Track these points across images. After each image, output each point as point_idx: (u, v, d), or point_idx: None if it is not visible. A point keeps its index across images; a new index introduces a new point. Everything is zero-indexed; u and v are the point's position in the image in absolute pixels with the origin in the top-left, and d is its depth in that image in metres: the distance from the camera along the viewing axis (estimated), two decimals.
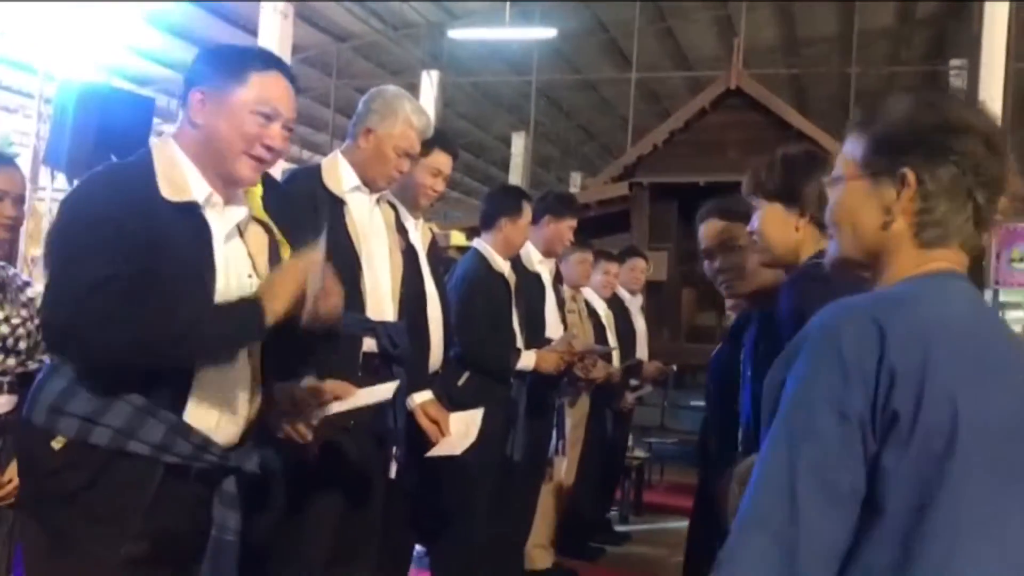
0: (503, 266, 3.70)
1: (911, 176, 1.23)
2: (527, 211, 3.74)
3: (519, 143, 18.82)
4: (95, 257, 1.64)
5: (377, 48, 16.32)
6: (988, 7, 11.39)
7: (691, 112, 10.63)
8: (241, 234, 1.88)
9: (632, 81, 15.11)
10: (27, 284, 2.63)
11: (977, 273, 11.75)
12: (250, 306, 1.69)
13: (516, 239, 3.73)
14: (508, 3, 14.08)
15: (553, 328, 4.18)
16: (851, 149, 1.31)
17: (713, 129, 10.37)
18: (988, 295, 11.80)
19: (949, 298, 1.21)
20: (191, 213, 1.76)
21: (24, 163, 7.61)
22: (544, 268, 4.22)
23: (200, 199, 1.77)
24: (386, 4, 15.08)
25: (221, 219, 1.81)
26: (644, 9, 14.84)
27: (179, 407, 1.73)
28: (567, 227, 4.17)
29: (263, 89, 1.78)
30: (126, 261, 1.64)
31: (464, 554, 3.54)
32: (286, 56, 12.76)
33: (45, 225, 7.53)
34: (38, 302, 2.56)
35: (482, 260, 3.67)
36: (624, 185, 10.00)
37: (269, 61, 1.83)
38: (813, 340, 1.18)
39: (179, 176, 1.76)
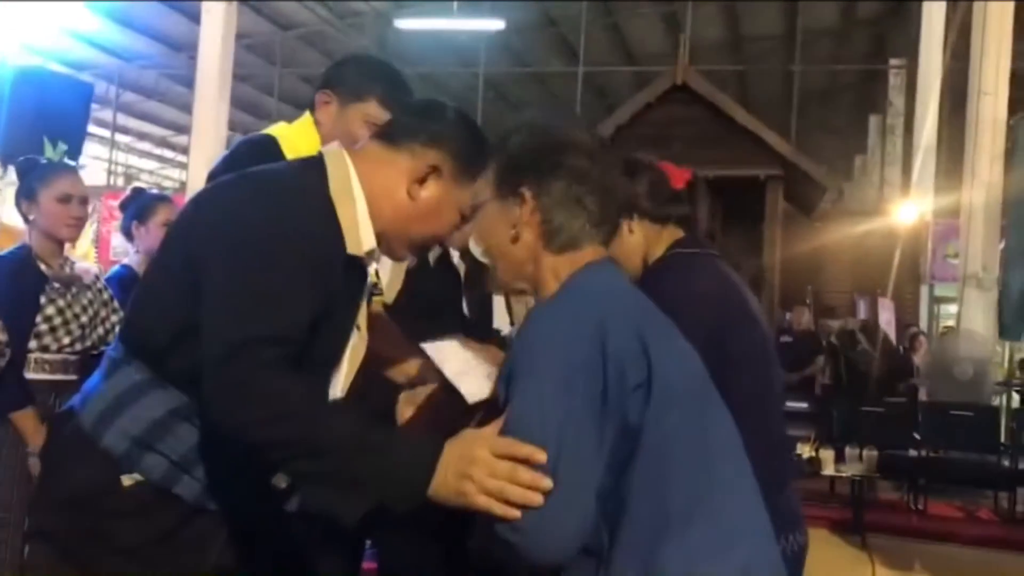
0: (452, 254, 3.69)
1: (528, 193, 1.37)
2: None
3: None
4: (279, 301, 1.34)
5: (323, 37, 16.13)
6: (926, 8, 11.65)
7: (637, 106, 10.70)
8: None
9: (579, 75, 15.16)
10: None
11: (913, 269, 12.03)
12: (418, 464, 1.25)
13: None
14: None
15: (500, 318, 4.18)
16: (488, 175, 1.44)
17: (658, 124, 10.46)
18: (925, 290, 12.11)
19: (618, 281, 1.41)
20: (358, 268, 1.51)
21: None
22: None
23: (366, 250, 1.49)
24: None
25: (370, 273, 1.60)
26: (592, 3, 14.90)
27: None
28: None
29: (475, 185, 1.52)
30: (303, 321, 1.36)
31: (410, 548, 3.51)
32: (229, 43, 12.58)
33: None
34: None
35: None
36: None
37: (485, 151, 1.54)
38: (533, 346, 1.28)
39: (353, 220, 1.46)
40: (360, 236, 1.46)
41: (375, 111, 2.00)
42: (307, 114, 2.13)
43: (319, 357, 1.44)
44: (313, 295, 1.37)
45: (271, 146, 2.04)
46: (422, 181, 1.49)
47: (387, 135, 1.52)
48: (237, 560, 1.54)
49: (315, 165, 1.48)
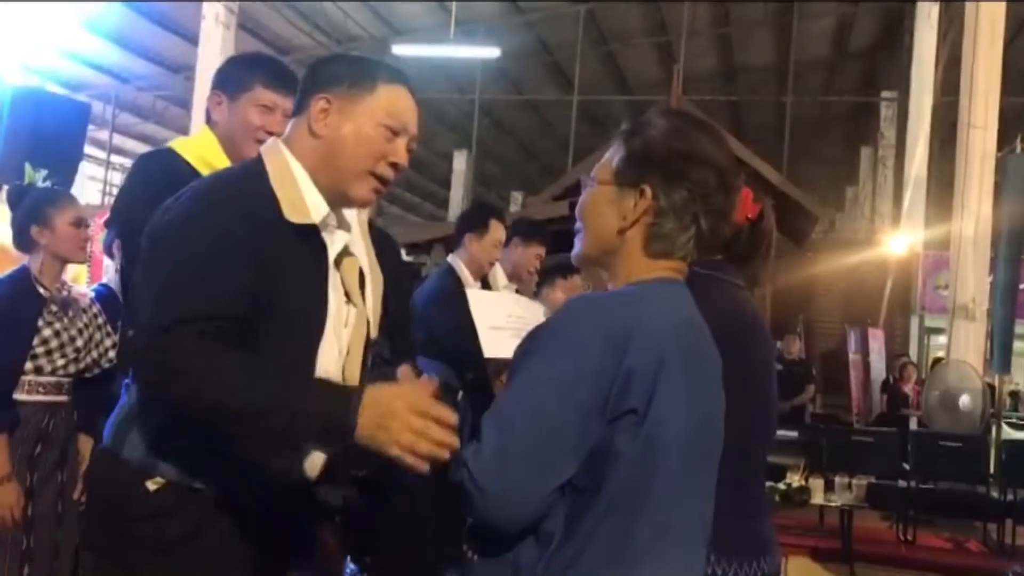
0: (473, 286, 3.67)
1: (649, 192, 1.37)
2: (495, 228, 3.70)
3: (461, 161, 18.85)
4: (200, 283, 1.43)
5: None
6: (917, 43, 11.79)
7: None
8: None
9: (574, 103, 15.28)
10: None
11: (904, 299, 12.09)
12: (342, 411, 1.34)
13: (482, 256, 3.69)
14: (453, 18, 14.14)
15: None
16: (611, 156, 1.43)
17: None
18: (915, 321, 12.16)
19: (676, 305, 1.37)
20: (310, 236, 1.57)
21: None
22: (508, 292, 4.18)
23: (318, 220, 1.57)
24: (329, 18, 15.04)
25: (331, 242, 1.63)
26: (587, 33, 15.04)
27: None
28: (535, 254, 4.09)
29: (392, 100, 1.61)
30: (233, 296, 1.44)
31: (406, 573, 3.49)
32: None
33: None
34: None
35: (454, 277, 3.65)
36: (565, 204, 10.09)
37: (397, 73, 1.66)
38: (557, 330, 1.30)
39: (297, 193, 1.57)
40: (307, 206, 1.56)
41: (262, 94, 2.14)
42: (205, 126, 2.25)
43: (284, 326, 1.51)
44: (235, 269, 1.45)
45: (167, 155, 2.15)
46: (320, 120, 1.60)
47: (294, 111, 1.65)
48: (269, 552, 1.60)
49: (255, 160, 1.62)
